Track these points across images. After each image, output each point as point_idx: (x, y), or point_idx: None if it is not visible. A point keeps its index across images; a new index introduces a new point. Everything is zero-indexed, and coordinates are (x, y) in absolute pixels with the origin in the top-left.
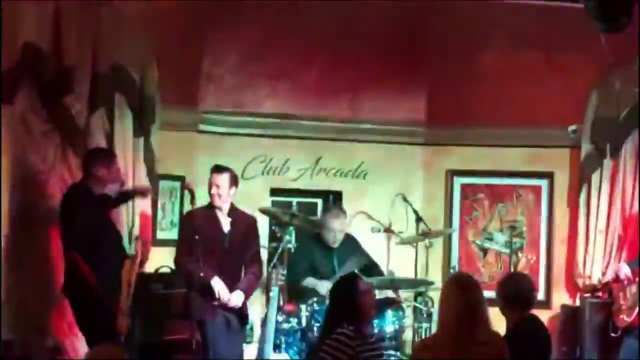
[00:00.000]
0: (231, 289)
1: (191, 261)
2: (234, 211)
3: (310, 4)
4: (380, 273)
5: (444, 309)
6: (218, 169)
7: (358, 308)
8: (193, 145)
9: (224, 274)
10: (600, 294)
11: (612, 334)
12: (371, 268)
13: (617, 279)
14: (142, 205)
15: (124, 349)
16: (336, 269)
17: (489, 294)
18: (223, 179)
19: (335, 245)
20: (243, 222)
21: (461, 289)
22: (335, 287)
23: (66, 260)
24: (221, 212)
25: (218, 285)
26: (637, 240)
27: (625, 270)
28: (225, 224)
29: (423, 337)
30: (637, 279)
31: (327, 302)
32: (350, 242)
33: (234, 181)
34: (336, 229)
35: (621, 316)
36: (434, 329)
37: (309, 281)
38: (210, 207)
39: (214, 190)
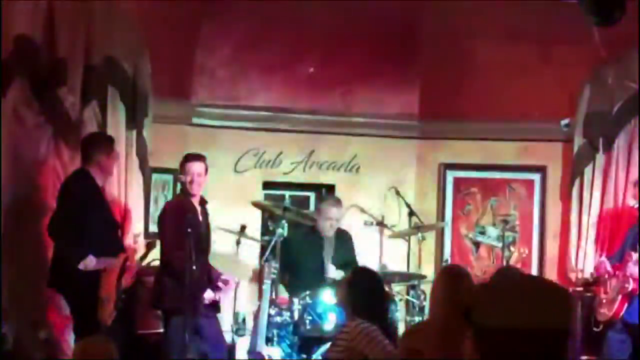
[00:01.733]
0: (208, 278)
1: (184, 256)
2: (202, 200)
3: None
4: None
5: (434, 298)
6: (196, 157)
7: None
8: (186, 138)
9: (204, 264)
10: (593, 288)
11: (595, 329)
12: (349, 265)
13: (598, 274)
14: (134, 197)
15: (112, 342)
16: (324, 260)
17: None
18: (202, 167)
19: (330, 234)
20: (205, 210)
21: (451, 280)
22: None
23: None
24: (195, 201)
25: (208, 295)
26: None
27: (605, 265)
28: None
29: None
30: (617, 272)
31: None
32: (342, 237)
33: (207, 169)
34: (333, 217)
35: (602, 310)
36: None
37: None
38: (187, 197)
39: (195, 179)
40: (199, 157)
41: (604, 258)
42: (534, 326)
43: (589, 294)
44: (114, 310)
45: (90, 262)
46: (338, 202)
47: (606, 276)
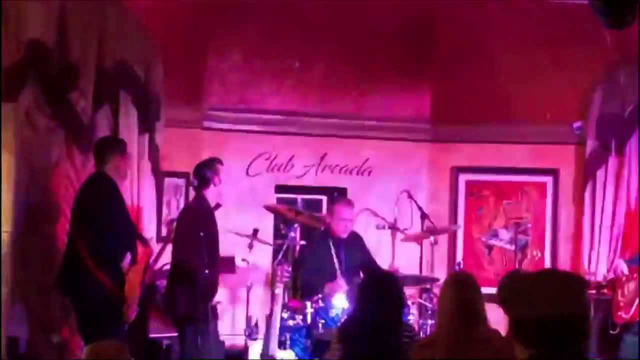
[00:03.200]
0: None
1: (198, 259)
2: (217, 204)
3: (314, 1)
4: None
5: (440, 307)
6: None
7: None
8: (198, 142)
9: (217, 268)
10: (605, 290)
11: (611, 331)
12: (369, 266)
13: (615, 275)
14: (147, 201)
15: (125, 345)
16: (342, 263)
17: (494, 291)
18: None
19: (344, 236)
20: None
21: (457, 288)
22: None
23: (69, 253)
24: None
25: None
26: None
27: (622, 267)
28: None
29: (428, 334)
30: (635, 275)
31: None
32: (356, 238)
33: None
34: (347, 218)
35: (619, 313)
36: None
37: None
38: (204, 201)
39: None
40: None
41: (620, 260)
42: (559, 313)
43: (604, 297)
44: (137, 308)
45: (126, 261)
46: (350, 202)
47: (623, 279)
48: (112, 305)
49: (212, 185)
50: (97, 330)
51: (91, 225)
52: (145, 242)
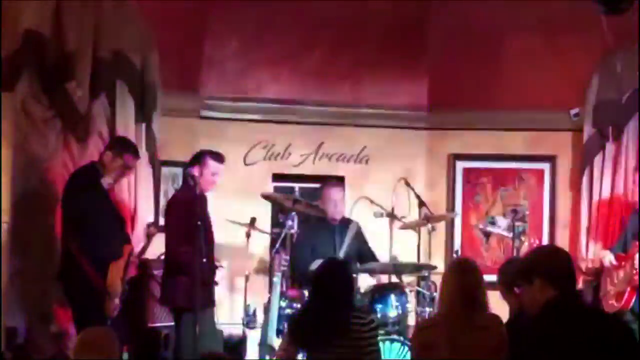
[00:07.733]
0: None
1: (191, 250)
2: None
3: None
4: (375, 260)
5: (442, 293)
6: (221, 158)
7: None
8: (195, 131)
9: (212, 257)
10: (590, 278)
11: None
12: (366, 254)
13: (602, 266)
14: (144, 191)
15: (113, 332)
16: (337, 248)
17: (491, 278)
18: (222, 168)
19: (337, 217)
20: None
21: (458, 274)
22: (341, 270)
23: (63, 245)
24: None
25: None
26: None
27: (609, 257)
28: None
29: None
30: (624, 263)
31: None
32: (349, 225)
33: None
34: (334, 198)
35: (610, 302)
36: None
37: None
38: (190, 189)
39: (215, 179)
40: (222, 158)
41: (606, 251)
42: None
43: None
44: (119, 303)
45: None
46: (338, 184)
47: (612, 268)
48: (95, 298)
49: (194, 176)
50: (82, 322)
51: (69, 218)
52: (127, 240)
